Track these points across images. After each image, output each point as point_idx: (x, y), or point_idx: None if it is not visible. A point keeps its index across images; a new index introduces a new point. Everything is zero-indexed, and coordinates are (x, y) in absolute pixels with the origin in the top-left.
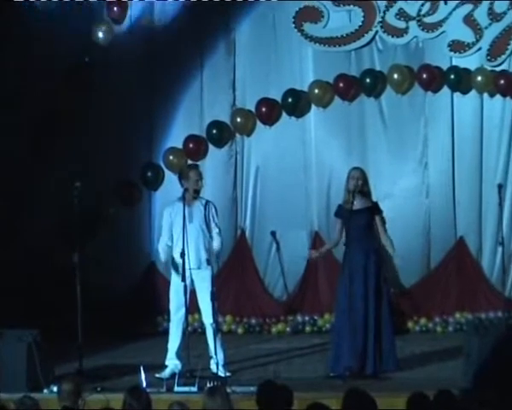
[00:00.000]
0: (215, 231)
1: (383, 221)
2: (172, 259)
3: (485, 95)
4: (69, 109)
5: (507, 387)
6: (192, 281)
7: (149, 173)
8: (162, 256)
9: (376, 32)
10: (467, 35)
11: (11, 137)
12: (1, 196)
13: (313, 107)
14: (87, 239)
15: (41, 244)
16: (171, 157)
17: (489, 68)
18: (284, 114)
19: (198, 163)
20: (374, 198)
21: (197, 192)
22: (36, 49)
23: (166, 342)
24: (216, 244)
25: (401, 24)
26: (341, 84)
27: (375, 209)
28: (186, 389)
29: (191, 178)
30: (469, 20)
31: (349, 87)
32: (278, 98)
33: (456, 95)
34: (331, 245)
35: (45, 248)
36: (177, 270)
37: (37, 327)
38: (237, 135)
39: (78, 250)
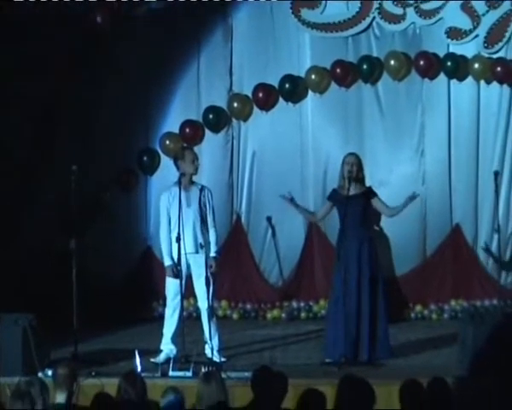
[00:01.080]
0: (210, 218)
1: (381, 200)
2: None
3: (482, 82)
4: (67, 95)
5: (502, 375)
6: (188, 266)
7: (146, 158)
8: (166, 260)
9: (373, 18)
10: (464, 22)
11: (12, 129)
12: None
13: (310, 93)
14: (85, 225)
15: (39, 229)
16: (167, 142)
17: (486, 56)
18: (281, 100)
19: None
20: (367, 184)
21: (195, 172)
22: (35, 35)
23: (162, 327)
24: (212, 239)
25: (398, 10)
26: (338, 71)
27: (370, 194)
28: (181, 373)
29: (187, 158)
30: (467, 8)
31: (346, 73)
32: (275, 84)
33: (453, 82)
34: (311, 217)
35: (43, 233)
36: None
37: (33, 311)
38: (234, 120)
39: (76, 236)
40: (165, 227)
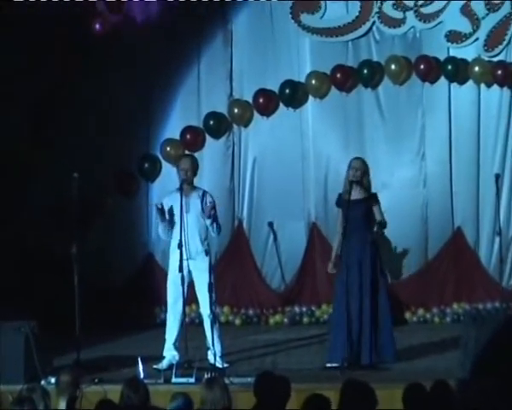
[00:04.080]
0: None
1: (380, 211)
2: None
3: (483, 85)
4: (67, 100)
5: (504, 377)
6: (190, 272)
7: (147, 165)
8: (163, 236)
9: (373, 22)
10: (464, 25)
11: (9, 128)
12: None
13: (310, 98)
14: (85, 230)
15: (39, 235)
16: (168, 148)
17: (486, 59)
18: (281, 105)
19: (193, 154)
20: (373, 190)
21: (185, 182)
22: (34, 37)
23: (164, 333)
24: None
25: (398, 14)
26: (339, 75)
27: (372, 200)
28: (184, 380)
29: (179, 168)
30: (466, 11)
31: (346, 78)
32: (275, 89)
33: (454, 85)
34: (338, 243)
35: (43, 239)
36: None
37: (35, 318)
38: (234, 126)
39: (77, 241)
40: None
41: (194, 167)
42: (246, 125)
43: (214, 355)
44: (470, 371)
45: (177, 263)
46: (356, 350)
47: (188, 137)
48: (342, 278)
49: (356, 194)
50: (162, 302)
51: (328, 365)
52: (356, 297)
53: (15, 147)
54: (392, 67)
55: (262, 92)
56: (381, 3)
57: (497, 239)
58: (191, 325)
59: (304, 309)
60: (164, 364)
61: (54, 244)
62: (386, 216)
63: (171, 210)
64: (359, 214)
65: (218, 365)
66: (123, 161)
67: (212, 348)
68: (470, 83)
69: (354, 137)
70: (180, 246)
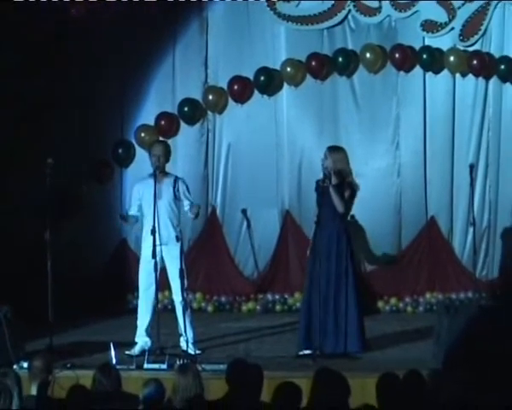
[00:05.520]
0: (187, 202)
1: (349, 194)
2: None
3: (458, 75)
4: (41, 89)
5: (476, 367)
6: (162, 258)
7: (121, 151)
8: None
9: (349, 10)
10: (440, 15)
11: None
12: None
13: (285, 85)
14: (61, 217)
15: (13, 221)
16: (142, 134)
17: (462, 48)
18: (256, 93)
19: (165, 140)
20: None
21: (158, 169)
22: (7, 24)
23: (136, 319)
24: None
25: (374, 3)
26: (314, 63)
27: (342, 185)
28: (156, 366)
29: (151, 154)
30: (442, 0)
31: (321, 66)
32: (250, 76)
33: (429, 75)
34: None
35: (17, 225)
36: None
37: (8, 303)
38: (209, 113)
39: (51, 228)
40: (130, 210)
41: (167, 153)
42: (220, 112)
43: (186, 342)
44: (443, 361)
45: (150, 249)
46: (318, 339)
47: (162, 123)
48: (312, 265)
49: (331, 181)
50: (135, 288)
51: (300, 353)
52: (323, 285)
53: None
54: (368, 55)
55: (237, 79)
56: None
57: (471, 229)
58: (164, 312)
59: (276, 297)
60: (136, 350)
61: (28, 230)
62: (360, 205)
63: (140, 199)
64: (330, 201)
65: (191, 351)
66: (97, 147)
67: (184, 334)
68: (445, 72)
69: (329, 126)
70: (153, 232)
